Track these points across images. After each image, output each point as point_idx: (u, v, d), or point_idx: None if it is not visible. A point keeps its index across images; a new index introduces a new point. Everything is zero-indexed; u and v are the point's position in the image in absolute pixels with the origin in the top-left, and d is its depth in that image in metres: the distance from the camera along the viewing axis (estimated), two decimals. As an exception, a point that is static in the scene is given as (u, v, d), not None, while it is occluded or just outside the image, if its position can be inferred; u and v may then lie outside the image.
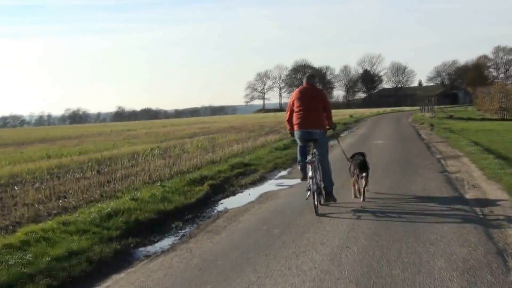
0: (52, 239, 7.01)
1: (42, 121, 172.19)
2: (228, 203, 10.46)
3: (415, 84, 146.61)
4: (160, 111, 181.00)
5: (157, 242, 7.74)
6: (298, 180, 10.63)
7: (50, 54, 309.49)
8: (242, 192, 11.67)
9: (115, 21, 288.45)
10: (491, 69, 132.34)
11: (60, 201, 10.49)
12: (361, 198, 9.24)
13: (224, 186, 12.07)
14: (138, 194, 10.23)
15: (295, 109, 9.29)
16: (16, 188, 12.39)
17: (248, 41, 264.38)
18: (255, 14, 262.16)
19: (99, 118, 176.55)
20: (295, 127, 9.27)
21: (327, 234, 7.12)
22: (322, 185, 9.02)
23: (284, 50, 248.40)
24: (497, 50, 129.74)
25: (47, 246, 6.73)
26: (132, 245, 7.42)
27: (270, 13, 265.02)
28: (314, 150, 9.25)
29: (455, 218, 7.65)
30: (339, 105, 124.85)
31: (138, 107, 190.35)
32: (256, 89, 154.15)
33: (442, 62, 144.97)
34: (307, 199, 8.84)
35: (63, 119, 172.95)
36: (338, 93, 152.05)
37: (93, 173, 14.96)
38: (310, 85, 9.55)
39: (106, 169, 15.86)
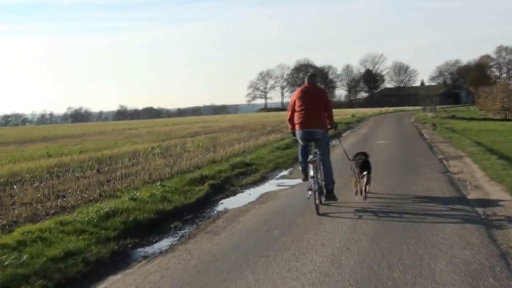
0: (48, 239, 6.92)
1: (44, 119, 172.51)
2: (228, 203, 10.37)
3: (417, 83, 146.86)
4: (162, 110, 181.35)
5: (155, 242, 7.63)
6: (299, 180, 10.56)
7: (52, 52, 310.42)
8: (242, 192, 11.57)
9: (116, 20, 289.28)
10: (493, 69, 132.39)
11: (59, 200, 10.41)
12: (362, 197, 9.17)
13: (225, 186, 11.97)
14: (137, 193, 10.14)
15: (297, 108, 9.23)
16: (15, 187, 12.31)
17: (250, 40, 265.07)
18: (257, 13, 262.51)
19: (101, 117, 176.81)
20: (297, 126, 9.21)
21: (327, 235, 7.03)
22: (324, 184, 8.98)
23: (286, 49, 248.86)
24: (500, 49, 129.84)
25: (44, 246, 6.64)
26: (130, 245, 7.31)
27: (271, 12, 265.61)
28: (316, 150, 9.17)
29: (457, 220, 7.54)
30: (341, 105, 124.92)
31: (140, 106, 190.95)
32: (258, 88, 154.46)
33: (444, 62, 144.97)
34: (308, 198, 8.79)
35: (65, 118, 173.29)
36: (340, 93, 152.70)
37: (93, 172, 14.89)
38: (312, 84, 9.47)
39: (106, 168, 15.80)
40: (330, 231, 7.24)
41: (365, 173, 9.08)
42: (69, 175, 14.30)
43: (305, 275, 5.48)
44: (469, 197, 9.27)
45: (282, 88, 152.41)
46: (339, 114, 58.24)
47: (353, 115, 58.27)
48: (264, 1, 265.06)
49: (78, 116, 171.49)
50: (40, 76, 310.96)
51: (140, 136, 38.58)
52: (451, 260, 5.70)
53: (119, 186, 11.86)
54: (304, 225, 7.71)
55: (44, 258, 6.13)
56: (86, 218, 7.99)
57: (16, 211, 9.31)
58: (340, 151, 11.29)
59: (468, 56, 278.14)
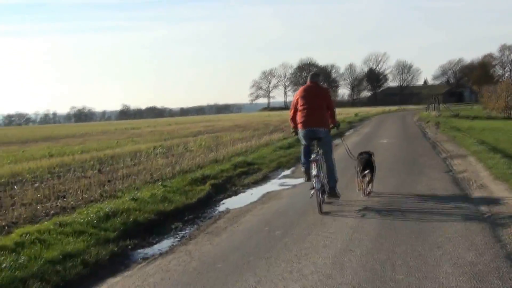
0: (47, 241, 6.83)
1: (48, 119, 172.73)
2: (230, 203, 10.28)
3: (421, 82, 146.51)
4: (165, 110, 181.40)
5: (155, 244, 7.54)
6: (301, 180, 10.47)
7: (56, 52, 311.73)
8: (244, 192, 11.48)
9: (120, 19, 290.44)
10: (496, 68, 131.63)
11: (59, 201, 10.35)
12: (362, 195, 9.25)
13: (226, 186, 11.89)
14: (138, 194, 10.06)
15: (299, 107, 9.21)
16: (15, 187, 12.24)
17: (253, 39, 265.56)
18: (260, 12, 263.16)
19: (104, 116, 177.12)
20: (299, 125, 9.18)
21: (330, 236, 6.92)
22: (326, 181, 8.95)
23: (289, 48, 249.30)
24: (503, 48, 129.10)
25: (42, 248, 6.55)
26: (130, 247, 7.23)
27: (274, 11, 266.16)
28: (318, 149, 9.13)
29: (461, 220, 7.42)
30: (344, 104, 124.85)
31: (143, 106, 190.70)
32: (261, 88, 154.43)
33: (448, 61, 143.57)
34: (311, 197, 8.77)
35: (68, 118, 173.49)
36: (344, 92, 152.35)
37: (94, 172, 14.81)
38: (314, 83, 9.46)
39: (107, 168, 15.74)
40: (332, 232, 7.13)
41: (366, 171, 9.09)
42: (70, 175, 14.24)
43: (307, 277, 5.38)
44: (474, 197, 9.14)
45: (285, 87, 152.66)
46: (342, 113, 58.15)
47: (356, 114, 58.12)
48: (267, 0, 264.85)
49: (81, 116, 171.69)
50: (43, 75, 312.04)
51: (142, 135, 38.55)
52: (456, 262, 5.58)
53: (120, 186, 11.78)
54: (306, 226, 7.61)
55: (42, 260, 6.05)
56: (86, 219, 7.90)
57: (15, 212, 9.24)
58: (343, 150, 11.18)
59: (471, 55, 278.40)
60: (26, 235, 6.98)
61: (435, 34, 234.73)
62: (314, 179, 8.53)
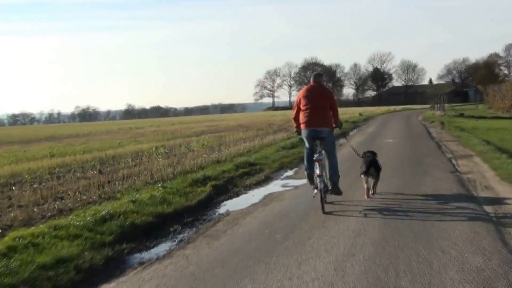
0: (41, 245, 6.63)
1: (52, 119, 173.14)
2: (230, 205, 10.08)
3: (426, 82, 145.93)
4: (170, 109, 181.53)
5: (153, 247, 7.32)
6: (304, 181, 10.29)
7: (60, 52, 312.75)
8: (246, 193, 11.27)
9: (124, 19, 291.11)
10: (502, 67, 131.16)
11: (57, 202, 10.16)
12: (366, 196, 9.22)
13: (228, 187, 11.69)
14: (137, 195, 9.87)
15: (302, 107, 9.14)
16: (13, 188, 12.08)
17: (258, 39, 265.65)
18: (264, 12, 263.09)
19: (109, 116, 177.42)
20: (302, 126, 9.11)
21: (332, 240, 6.72)
22: (329, 176, 8.89)
23: (294, 48, 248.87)
24: (509, 48, 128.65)
25: (35, 252, 6.36)
26: (126, 251, 7.02)
27: (278, 11, 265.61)
28: (321, 148, 9.02)
29: (467, 222, 7.21)
30: (349, 103, 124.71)
31: (148, 105, 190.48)
32: (265, 87, 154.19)
33: (453, 60, 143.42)
34: (314, 197, 8.77)
35: (73, 117, 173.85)
36: (348, 91, 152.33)
37: (95, 172, 14.64)
38: (317, 83, 9.37)
39: (108, 169, 15.58)
40: (334, 236, 6.93)
41: (371, 170, 9.13)
42: (70, 175, 14.10)
43: (307, 284, 5.18)
44: (480, 198, 8.93)
45: (290, 86, 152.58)
46: (346, 113, 58.03)
47: (360, 114, 57.94)
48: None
49: (86, 115, 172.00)
50: (48, 75, 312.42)
51: (145, 135, 38.45)
52: (462, 267, 5.37)
53: (119, 188, 11.60)
54: (307, 229, 7.41)
55: (34, 266, 5.86)
56: (82, 222, 7.70)
57: (12, 214, 9.06)
58: (347, 150, 11.03)
59: (476, 54, 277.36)
60: (20, 239, 6.80)
61: (440, 33, 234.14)
62: (317, 179, 8.55)
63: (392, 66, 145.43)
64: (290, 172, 14.08)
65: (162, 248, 7.27)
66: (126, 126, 64.02)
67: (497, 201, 8.63)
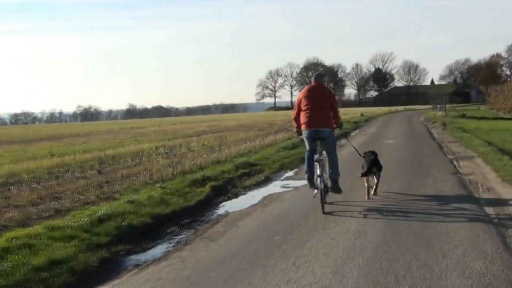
0: (36, 246, 6.53)
1: (54, 118, 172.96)
2: (229, 206, 9.99)
3: (427, 82, 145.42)
4: (171, 109, 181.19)
5: (149, 249, 7.22)
6: (304, 182, 10.16)
7: (62, 51, 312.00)
8: (245, 194, 11.19)
9: (126, 18, 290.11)
10: (504, 68, 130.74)
11: (55, 203, 10.05)
12: (367, 197, 9.19)
13: (227, 188, 11.60)
14: (135, 196, 9.78)
15: (303, 107, 9.11)
16: (12, 188, 11.99)
17: (259, 38, 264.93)
18: (265, 12, 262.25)
19: (111, 115, 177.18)
20: (303, 126, 9.07)
21: (331, 243, 6.61)
22: (329, 175, 8.88)
23: (295, 48, 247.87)
24: (511, 48, 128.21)
25: (30, 254, 6.26)
26: (122, 252, 6.92)
27: (280, 11, 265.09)
28: (322, 149, 9.00)
29: (468, 225, 7.09)
30: (350, 104, 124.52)
31: (149, 105, 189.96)
32: (267, 87, 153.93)
33: (455, 61, 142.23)
34: (314, 197, 8.75)
35: (74, 116, 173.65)
36: (350, 92, 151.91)
37: (94, 172, 14.55)
38: (318, 83, 9.34)
39: (107, 169, 15.49)
40: (334, 238, 6.82)
41: (373, 169, 9.15)
42: (69, 175, 14.01)
43: (305, 288, 5.08)
44: (482, 200, 8.83)
45: (291, 86, 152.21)
46: (348, 113, 57.96)
47: (362, 114, 57.77)
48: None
49: (88, 115, 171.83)
50: (50, 74, 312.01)
51: (146, 135, 38.36)
52: (464, 272, 5.25)
53: (118, 188, 11.51)
54: (307, 231, 7.31)
55: (28, 267, 5.77)
56: (78, 223, 7.61)
57: (9, 214, 8.97)
58: (348, 152, 10.93)
59: (478, 54, 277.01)
60: (14, 239, 6.71)
61: (442, 33, 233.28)
62: (318, 179, 8.54)
63: (394, 67, 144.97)
64: (290, 173, 13.98)
65: (159, 250, 7.18)
66: (127, 126, 63.91)
67: (499, 203, 8.52)
